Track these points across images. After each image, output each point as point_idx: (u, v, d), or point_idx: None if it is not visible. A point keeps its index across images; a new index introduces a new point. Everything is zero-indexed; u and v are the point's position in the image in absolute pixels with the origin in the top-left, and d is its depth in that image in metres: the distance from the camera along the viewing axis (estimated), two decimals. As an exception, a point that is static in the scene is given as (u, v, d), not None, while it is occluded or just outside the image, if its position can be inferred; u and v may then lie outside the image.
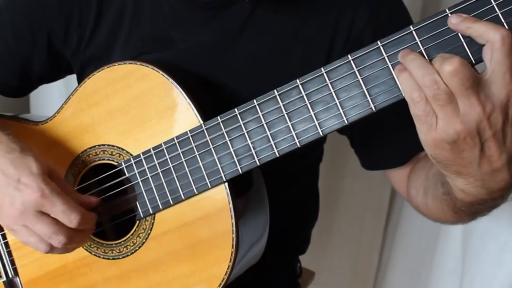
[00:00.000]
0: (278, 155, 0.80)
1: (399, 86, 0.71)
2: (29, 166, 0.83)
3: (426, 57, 0.69)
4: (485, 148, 0.68)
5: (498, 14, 0.66)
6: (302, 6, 0.93)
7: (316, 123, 0.77)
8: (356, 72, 0.73)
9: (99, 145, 0.93)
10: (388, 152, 1.00)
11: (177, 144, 0.86)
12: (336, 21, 0.93)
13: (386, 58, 0.71)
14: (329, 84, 0.75)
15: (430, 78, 0.66)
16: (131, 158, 0.90)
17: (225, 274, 0.86)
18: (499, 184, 0.72)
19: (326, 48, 0.94)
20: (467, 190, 0.74)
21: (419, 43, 0.70)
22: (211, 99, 0.93)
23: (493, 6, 0.66)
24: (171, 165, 0.87)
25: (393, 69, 0.71)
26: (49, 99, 1.66)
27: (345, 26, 0.93)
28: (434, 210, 0.92)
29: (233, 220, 0.84)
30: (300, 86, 0.77)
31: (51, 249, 0.86)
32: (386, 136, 0.99)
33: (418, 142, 0.71)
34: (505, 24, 0.66)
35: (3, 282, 1.01)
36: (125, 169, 0.91)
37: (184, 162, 0.86)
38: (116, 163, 0.92)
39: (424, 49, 0.69)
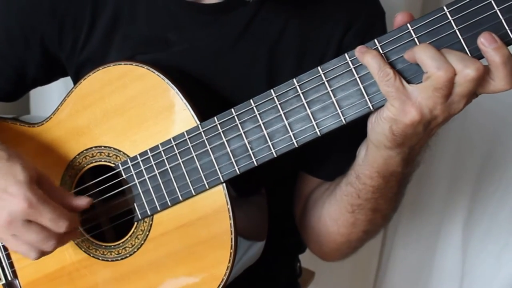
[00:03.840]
0: (275, 155, 0.80)
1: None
2: (16, 174, 0.81)
3: None
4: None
5: (496, 11, 0.66)
6: (302, 10, 0.93)
7: (314, 123, 0.76)
8: (353, 70, 0.73)
9: (95, 147, 0.92)
10: (326, 164, 0.99)
11: (174, 145, 0.85)
12: (335, 25, 0.93)
13: (383, 56, 0.71)
14: (326, 83, 0.75)
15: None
16: (128, 160, 0.89)
17: (224, 275, 0.86)
18: (417, 152, 0.79)
19: (323, 51, 0.94)
20: (390, 160, 0.78)
21: (416, 40, 0.70)
22: (207, 100, 0.93)
23: (490, 2, 0.66)
24: (168, 166, 0.86)
25: (392, 67, 0.71)
26: (49, 100, 1.65)
27: (342, 30, 0.94)
28: (326, 219, 0.94)
29: (232, 221, 0.84)
30: (297, 86, 0.77)
31: (42, 255, 0.85)
32: (331, 149, 0.98)
33: (349, 164, 0.75)
34: (503, 20, 0.66)
35: (3, 284, 1.01)
36: (122, 170, 0.90)
37: (181, 163, 0.85)
38: (113, 165, 0.91)
39: (421, 47, 0.69)
